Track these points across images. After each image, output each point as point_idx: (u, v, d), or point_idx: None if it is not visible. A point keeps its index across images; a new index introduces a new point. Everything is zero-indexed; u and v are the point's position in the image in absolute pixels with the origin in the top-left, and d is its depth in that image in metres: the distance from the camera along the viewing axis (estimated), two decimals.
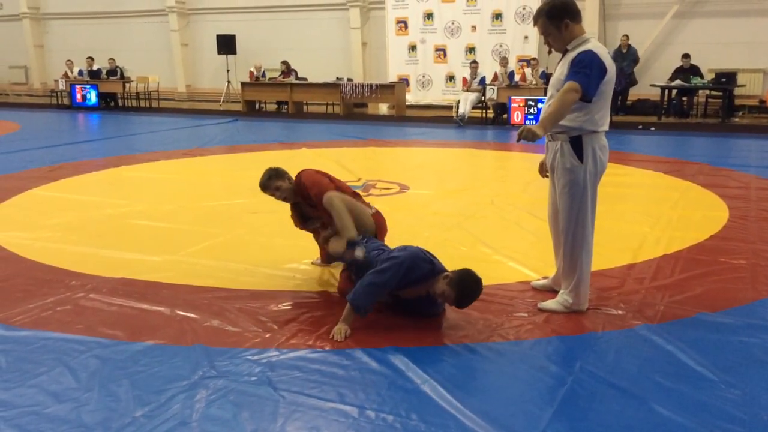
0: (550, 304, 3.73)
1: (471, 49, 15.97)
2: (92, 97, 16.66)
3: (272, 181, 4.23)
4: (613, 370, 3.03)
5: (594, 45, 3.45)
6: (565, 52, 3.54)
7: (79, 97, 16.74)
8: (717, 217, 5.76)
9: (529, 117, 12.75)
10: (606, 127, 3.55)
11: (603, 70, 3.38)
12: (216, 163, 9.21)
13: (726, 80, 12.99)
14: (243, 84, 16.17)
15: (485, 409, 2.70)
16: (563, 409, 2.72)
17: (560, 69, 3.53)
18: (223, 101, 17.21)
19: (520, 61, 15.17)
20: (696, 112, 13.80)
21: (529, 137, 3.36)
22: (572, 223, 3.63)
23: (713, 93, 13.58)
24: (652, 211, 5.97)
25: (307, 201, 4.23)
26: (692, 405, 2.73)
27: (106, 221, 5.81)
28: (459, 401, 2.76)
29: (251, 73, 16.39)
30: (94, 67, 17.37)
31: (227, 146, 10.72)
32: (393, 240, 5.03)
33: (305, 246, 5.03)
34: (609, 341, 3.36)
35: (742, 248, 4.86)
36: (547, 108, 3.50)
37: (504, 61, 14.27)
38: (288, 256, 4.81)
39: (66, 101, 17.21)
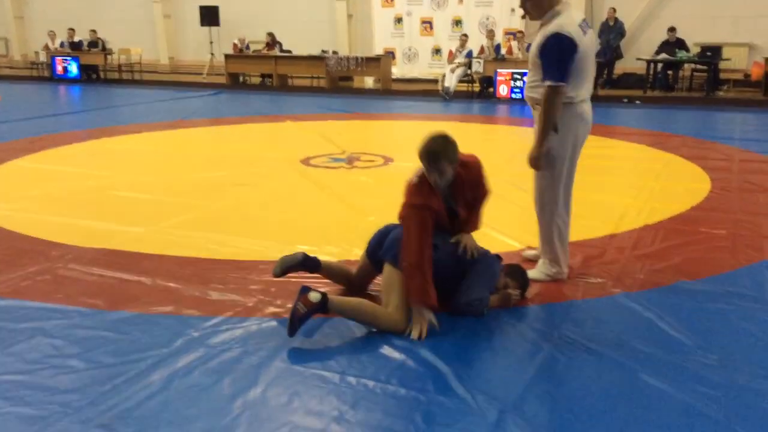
0: (531, 273, 3.74)
1: (458, 22, 15.84)
2: (73, 69, 16.40)
3: (443, 161, 3.20)
4: (592, 337, 3.06)
5: (561, 22, 3.39)
6: (541, 24, 3.52)
7: (59, 69, 16.48)
8: (699, 188, 5.79)
9: (514, 90, 12.71)
10: (583, 98, 3.54)
11: (572, 48, 3.36)
12: (199, 135, 9.13)
13: (711, 54, 12.99)
14: (227, 56, 15.97)
15: (465, 374, 2.72)
16: (542, 374, 2.75)
17: (534, 44, 3.53)
18: (207, 74, 17.01)
19: (506, 34, 15.07)
20: (681, 86, 13.82)
21: (536, 163, 3.55)
22: (545, 192, 3.66)
23: (698, 67, 13.58)
24: (635, 183, 6.00)
25: (464, 191, 3.36)
26: (669, 370, 2.77)
27: (88, 192, 5.75)
28: (439, 367, 2.78)
29: (235, 45, 16.19)
30: (76, 39, 17.10)
31: (211, 119, 10.63)
32: (376, 211, 5.03)
33: (288, 219, 5.03)
34: (588, 309, 3.39)
35: (723, 218, 4.90)
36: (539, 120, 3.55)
37: (490, 34, 14.19)
38: (271, 228, 4.80)
39: (47, 73, 16.96)
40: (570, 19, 3.42)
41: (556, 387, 2.66)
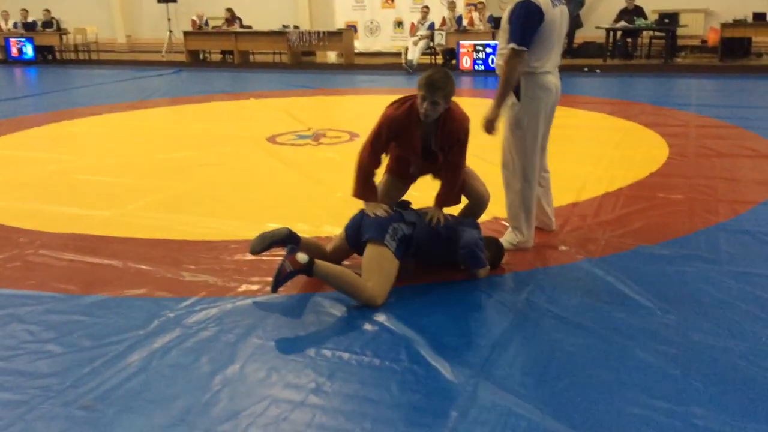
0: None
1: None
2: (28, 50, 16.03)
3: (439, 93, 3.25)
4: (557, 302, 3.18)
5: None
6: None
7: (14, 50, 16.08)
8: (658, 155, 5.95)
9: (477, 62, 12.78)
10: (547, 69, 3.63)
11: (538, 15, 3.46)
12: (161, 115, 9.04)
13: (669, 21, 13.20)
14: (185, 33, 15.72)
15: (436, 343, 2.82)
16: (510, 339, 2.85)
17: (505, 12, 3.62)
18: (166, 52, 16.72)
19: (467, 5, 15.08)
20: (640, 53, 14.02)
21: (491, 126, 3.60)
22: (509, 160, 3.78)
23: (656, 34, 13.79)
24: (596, 152, 6.14)
25: (443, 135, 3.43)
26: (630, 330, 2.90)
27: (51, 177, 5.70)
28: (411, 338, 2.87)
29: (194, 21, 15.94)
30: (29, 19, 16.66)
31: (172, 98, 10.52)
32: (344, 187, 5.07)
33: (257, 198, 5.06)
34: (553, 275, 3.51)
35: (681, 184, 5.06)
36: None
37: (452, 6, 14.19)
38: (240, 207, 4.83)
39: (0, 56, 16.52)
40: None
41: (523, 351, 2.77)
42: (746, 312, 3.04)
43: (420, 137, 3.42)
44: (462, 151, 3.53)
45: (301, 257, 3.17)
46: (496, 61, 3.74)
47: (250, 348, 2.83)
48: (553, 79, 3.70)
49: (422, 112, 3.30)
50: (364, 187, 3.54)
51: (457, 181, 3.58)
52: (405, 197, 3.68)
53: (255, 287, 3.42)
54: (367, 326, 2.99)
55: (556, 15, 3.57)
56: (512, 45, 3.48)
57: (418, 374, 2.60)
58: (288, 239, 3.51)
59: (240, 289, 3.40)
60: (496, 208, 4.37)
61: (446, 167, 3.56)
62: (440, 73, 3.32)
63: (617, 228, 4.15)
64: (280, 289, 3.26)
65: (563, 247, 3.86)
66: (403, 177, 3.69)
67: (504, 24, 3.61)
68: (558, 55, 3.72)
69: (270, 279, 3.38)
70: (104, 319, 3.10)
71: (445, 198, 3.59)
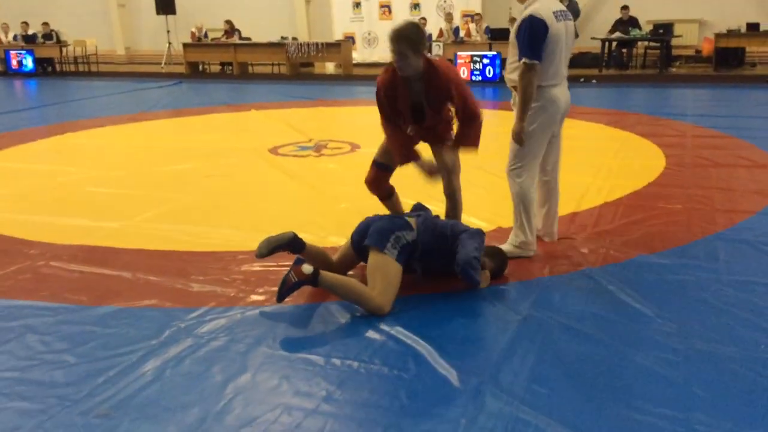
0: (503, 247, 3.91)
1: (416, 5, 15.94)
2: (28, 63, 16.12)
3: (403, 43, 3.43)
4: (559, 310, 3.25)
5: (535, 8, 3.65)
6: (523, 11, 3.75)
7: (14, 63, 16.18)
8: (655, 165, 6.05)
9: (474, 73, 12.89)
10: (554, 82, 3.76)
11: (544, 29, 3.60)
12: (164, 127, 9.11)
13: (663, 31, 13.35)
14: (185, 45, 15.84)
15: (443, 352, 2.88)
16: (515, 347, 2.92)
17: (513, 28, 3.78)
18: (165, 63, 16.83)
19: (464, 16, 15.23)
20: (635, 64, 14.16)
21: (519, 137, 3.74)
22: (514, 168, 3.87)
23: (651, 44, 13.94)
24: (594, 162, 6.23)
25: (431, 93, 3.60)
26: (633, 338, 2.97)
27: (58, 189, 5.76)
28: (418, 346, 2.93)
29: (193, 33, 16.06)
30: (29, 32, 16.77)
31: (173, 110, 10.59)
32: (348, 198, 5.16)
33: (261, 209, 5.13)
34: (555, 285, 3.58)
35: (678, 193, 5.15)
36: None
37: (449, 17, 14.33)
38: (245, 218, 4.90)
39: (0, 68, 16.61)
40: (544, 6, 3.67)
41: (528, 358, 2.83)
42: (745, 320, 3.11)
43: (408, 96, 3.55)
44: (463, 102, 3.64)
45: (306, 268, 3.24)
46: (507, 75, 3.87)
47: (260, 357, 2.89)
48: (561, 91, 3.83)
49: (397, 69, 3.45)
50: (403, 153, 3.74)
51: (472, 126, 3.73)
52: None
53: (263, 297, 3.48)
54: (375, 335, 3.06)
55: (561, 29, 3.69)
56: (524, 60, 3.63)
57: (426, 382, 2.66)
58: (293, 243, 3.57)
59: (249, 299, 3.47)
60: (499, 218, 4.48)
61: (460, 119, 3.73)
62: (404, 24, 3.50)
63: (617, 237, 4.23)
64: (287, 298, 3.33)
65: (564, 257, 3.93)
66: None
67: (512, 39, 3.76)
68: (564, 67, 3.84)
69: (278, 290, 3.46)
70: (116, 329, 3.16)
71: (462, 137, 3.75)
